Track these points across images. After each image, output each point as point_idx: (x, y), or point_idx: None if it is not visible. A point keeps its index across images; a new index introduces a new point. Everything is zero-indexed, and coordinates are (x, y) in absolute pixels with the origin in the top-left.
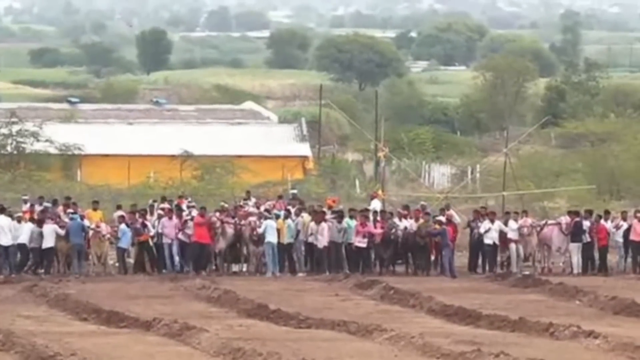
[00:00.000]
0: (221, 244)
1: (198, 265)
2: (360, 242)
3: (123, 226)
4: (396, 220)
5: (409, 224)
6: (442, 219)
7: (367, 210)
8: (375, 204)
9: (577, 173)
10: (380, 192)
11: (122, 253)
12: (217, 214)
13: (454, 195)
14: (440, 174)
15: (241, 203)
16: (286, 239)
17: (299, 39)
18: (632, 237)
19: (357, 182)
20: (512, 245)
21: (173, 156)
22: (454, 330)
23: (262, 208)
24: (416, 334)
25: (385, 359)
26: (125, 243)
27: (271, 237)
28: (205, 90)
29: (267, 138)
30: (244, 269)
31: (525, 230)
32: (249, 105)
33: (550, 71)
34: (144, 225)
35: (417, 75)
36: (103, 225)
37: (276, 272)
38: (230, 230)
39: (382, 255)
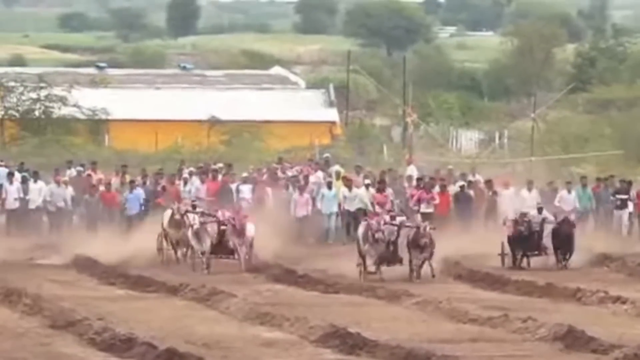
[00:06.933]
0: None
1: None
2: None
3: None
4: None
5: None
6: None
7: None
8: (412, 170)
9: (604, 138)
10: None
11: None
12: None
13: (481, 160)
14: (467, 139)
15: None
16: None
17: (327, 4)
18: None
19: (384, 148)
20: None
21: (200, 121)
22: (481, 295)
23: (288, 173)
24: (443, 299)
25: (413, 324)
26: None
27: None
28: (233, 55)
29: (295, 103)
30: None
31: None
32: (276, 70)
33: (578, 37)
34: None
35: (445, 41)
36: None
37: None
38: None
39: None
